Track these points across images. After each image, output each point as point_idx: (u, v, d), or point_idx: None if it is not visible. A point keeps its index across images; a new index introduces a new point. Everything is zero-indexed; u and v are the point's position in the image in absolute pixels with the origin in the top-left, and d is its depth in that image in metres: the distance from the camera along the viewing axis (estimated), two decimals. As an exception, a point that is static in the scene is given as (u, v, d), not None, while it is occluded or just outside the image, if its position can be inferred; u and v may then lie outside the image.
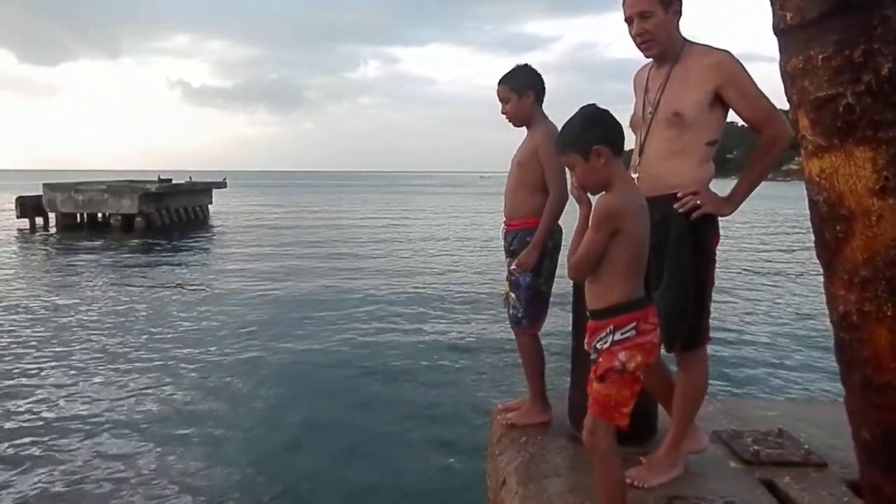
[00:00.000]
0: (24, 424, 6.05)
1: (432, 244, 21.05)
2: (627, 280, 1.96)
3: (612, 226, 1.91)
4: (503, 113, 2.97)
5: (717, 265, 2.50)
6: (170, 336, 9.05)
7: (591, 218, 1.96)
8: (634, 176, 2.50)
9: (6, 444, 5.57)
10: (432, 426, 6.09)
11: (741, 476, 2.56)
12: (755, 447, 2.73)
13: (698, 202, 2.36)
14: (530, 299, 2.96)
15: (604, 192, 1.98)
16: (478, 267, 15.81)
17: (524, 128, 3.01)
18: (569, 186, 2.11)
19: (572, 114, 2.02)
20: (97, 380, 7.29)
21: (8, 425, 6.00)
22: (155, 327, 9.52)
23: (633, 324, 1.92)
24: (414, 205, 45.88)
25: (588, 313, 2.04)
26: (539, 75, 2.97)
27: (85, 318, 10.23)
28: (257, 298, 11.74)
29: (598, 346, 1.95)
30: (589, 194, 2.05)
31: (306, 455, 5.54)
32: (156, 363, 7.79)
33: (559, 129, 2.89)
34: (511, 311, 3.05)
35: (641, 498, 2.38)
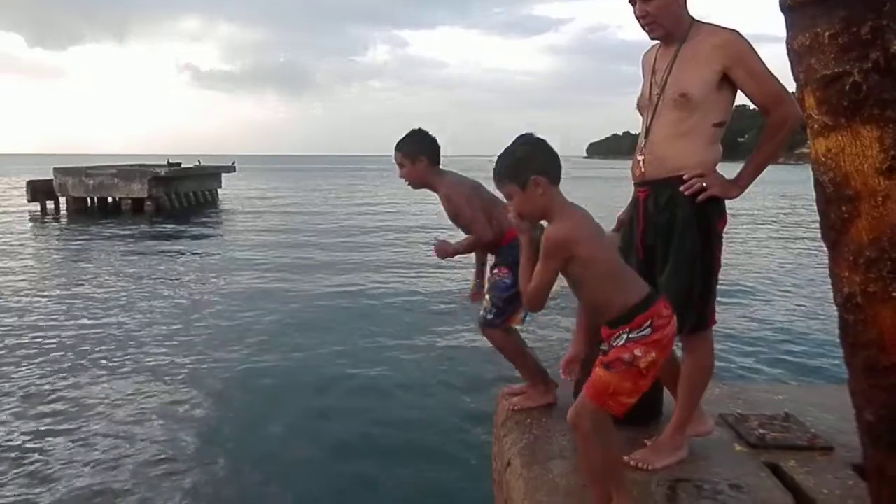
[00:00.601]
0: (15, 412, 6.07)
1: (441, 232, 20.96)
2: (622, 289, 1.95)
3: (561, 255, 1.92)
4: (401, 177, 3.17)
5: (724, 248, 2.48)
6: (170, 331, 8.92)
7: (540, 250, 1.96)
8: (640, 158, 2.48)
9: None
10: (438, 411, 6.11)
11: (746, 459, 2.55)
12: (761, 431, 2.72)
13: (704, 184, 2.33)
14: (508, 299, 3.00)
15: (548, 224, 1.98)
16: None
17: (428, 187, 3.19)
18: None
19: (509, 143, 2.01)
20: (92, 370, 7.27)
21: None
22: (157, 321, 9.41)
23: (648, 322, 1.91)
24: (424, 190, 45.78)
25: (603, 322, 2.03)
26: (431, 139, 3.15)
27: (89, 308, 10.18)
28: (263, 291, 11.63)
29: (613, 343, 1.94)
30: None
31: (301, 441, 5.51)
32: (153, 358, 7.69)
33: (459, 179, 3.14)
34: (481, 314, 3.10)
35: (645, 480, 2.38)
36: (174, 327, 9.10)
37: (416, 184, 3.18)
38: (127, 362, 7.53)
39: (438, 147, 3.17)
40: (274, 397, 6.50)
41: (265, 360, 7.61)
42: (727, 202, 2.43)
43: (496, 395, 3.29)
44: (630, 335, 1.91)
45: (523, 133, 2.02)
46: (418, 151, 3.10)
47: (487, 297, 3.08)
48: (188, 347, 8.11)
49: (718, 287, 2.49)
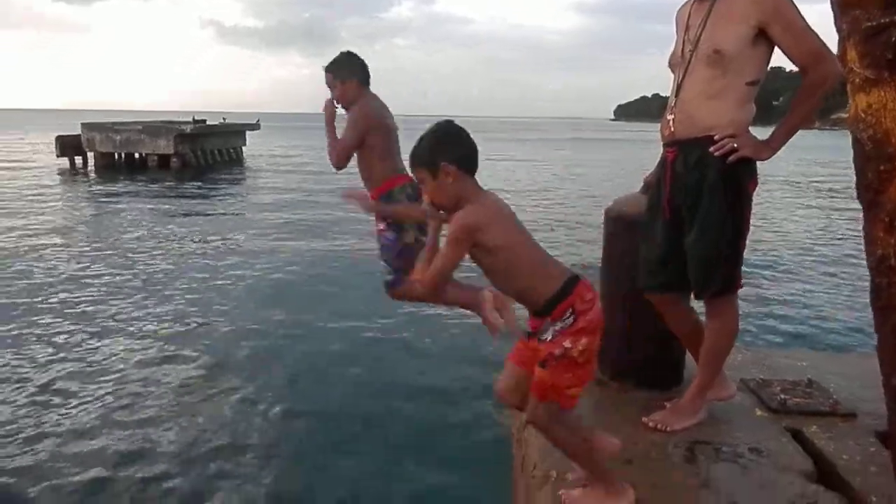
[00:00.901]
0: (43, 363, 6.20)
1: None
2: (539, 277, 1.92)
3: (467, 241, 1.88)
4: (332, 98, 3.29)
5: (752, 211, 2.43)
6: (191, 287, 8.90)
7: (447, 235, 1.92)
8: (669, 118, 2.43)
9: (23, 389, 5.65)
10: (459, 373, 6.13)
11: (767, 424, 2.55)
12: (783, 396, 2.71)
13: (735, 145, 2.27)
14: (399, 255, 3.11)
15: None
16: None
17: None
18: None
19: (426, 131, 1.97)
20: (113, 324, 7.34)
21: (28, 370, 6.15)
22: (179, 277, 9.41)
23: (569, 310, 1.88)
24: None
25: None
26: (359, 60, 3.26)
27: (114, 265, 10.16)
28: (285, 249, 11.58)
29: (542, 338, 1.93)
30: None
31: (302, 398, 5.52)
32: (173, 313, 7.70)
33: (382, 105, 3.28)
34: (384, 279, 3.23)
35: (663, 441, 2.39)
36: (197, 283, 9.22)
37: (347, 104, 3.26)
38: (147, 316, 7.66)
39: (367, 68, 3.27)
40: (283, 354, 6.55)
41: (280, 318, 7.67)
42: (758, 164, 2.38)
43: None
44: (555, 327, 1.89)
45: (441, 120, 1.98)
46: (349, 73, 3.19)
47: (383, 261, 3.20)
48: (207, 304, 8.20)
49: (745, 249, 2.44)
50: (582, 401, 2.75)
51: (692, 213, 2.36)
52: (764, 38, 2.24)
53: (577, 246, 12.07)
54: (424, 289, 2.05)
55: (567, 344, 1.87)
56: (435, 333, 7.16)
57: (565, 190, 21.62)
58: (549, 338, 1.90)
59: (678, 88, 2.41)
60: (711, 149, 2.29)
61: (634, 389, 2.83)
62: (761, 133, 2.37)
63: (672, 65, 2.50)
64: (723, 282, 2.38)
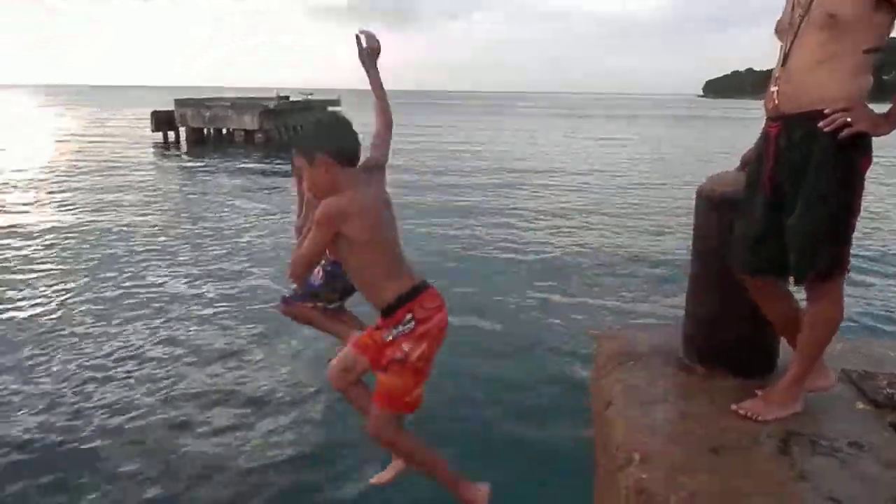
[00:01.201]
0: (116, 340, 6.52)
1: (534, 176, 20.15)
2: (390, 279, 1.99)
3: (330, 228, 1.93)
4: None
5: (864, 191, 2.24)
6: (270, 267, 9.03)
7: (314, 219, 1.97)
8: (774, 89, 2.26)
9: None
10: (533, 358, 6.08)
11: (870, 418, 2.39)
12: (889, 390, 2.53)
13: (849, 119, 2.10)
14: (308, 295, 3.10)
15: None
16: (589, 201, 15.33)
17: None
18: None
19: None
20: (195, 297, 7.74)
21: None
22: (260, 255, 9.69)
23: (409, 315, 1.96)
24: (525, 128, 44.78)
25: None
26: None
27: (195, 241, 10.61)
28: None
29: (385, 338, 2.02)
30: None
31: None
32: (253, 292, 7.95)
33: None
34: (283, 294, 3.24)
35: (754, 431, 2.28)
36: (275, 252, 9.57)
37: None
38: (229, 286, 8.05)
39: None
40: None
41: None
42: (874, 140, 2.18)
43: (589, 336, 3.24)
44: (398, 329, 1.98)
45: (328, 111, 2.03)
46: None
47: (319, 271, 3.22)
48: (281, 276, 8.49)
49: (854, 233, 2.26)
50: (666, 385, 2.68)
51: (796, 190, 2.20)
52: (887, 1, 2.05)
53: (661, 228, 11.74)
54: (288, 269, 2.16)
55: (405, 347, 1.97)
56: (513, 326, 7.05)
57: (649, 170, 20.98)
58: (391, 338, 1.99)
59: (785, 58, 2.24)
60: (821, 123, 2.11)
61: (723, 376, 2.71)
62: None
63: (779, 32, 2.32)
64: (830, 260, 2.20)
